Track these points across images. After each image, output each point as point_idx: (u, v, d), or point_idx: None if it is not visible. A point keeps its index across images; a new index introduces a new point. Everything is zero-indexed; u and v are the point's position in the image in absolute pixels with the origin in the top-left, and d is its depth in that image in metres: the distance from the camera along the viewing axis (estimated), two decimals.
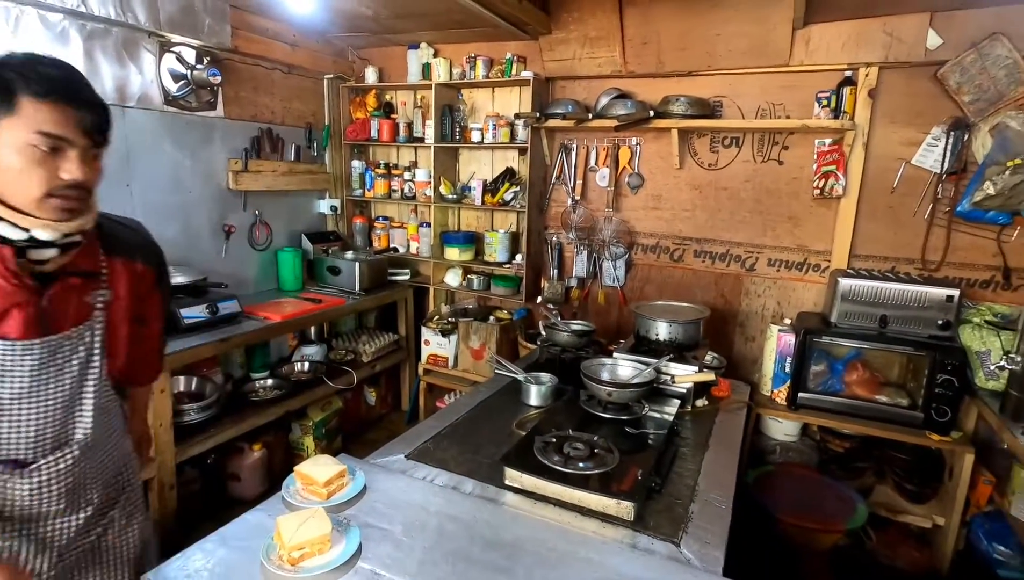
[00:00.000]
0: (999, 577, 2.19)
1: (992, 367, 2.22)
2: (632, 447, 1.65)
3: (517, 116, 3.20)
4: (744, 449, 2.21)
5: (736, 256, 2.97)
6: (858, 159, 2.60)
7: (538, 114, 3.06)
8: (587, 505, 1.41)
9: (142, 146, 2.63)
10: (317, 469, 1.39)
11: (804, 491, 2.37)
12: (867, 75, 2.53)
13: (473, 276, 3.50)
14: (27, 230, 0.95)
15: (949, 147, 2.43)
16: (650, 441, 1.72)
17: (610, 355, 2.17)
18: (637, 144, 3.07)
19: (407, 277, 3.69)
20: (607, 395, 1.85)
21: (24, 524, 1.08)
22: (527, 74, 3.13)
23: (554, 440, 1.62)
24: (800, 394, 2.44)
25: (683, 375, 2.10)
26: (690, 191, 3.02)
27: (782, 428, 2.69)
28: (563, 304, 3.31)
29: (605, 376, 2.00)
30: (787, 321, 2.60)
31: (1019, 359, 1.99)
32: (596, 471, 1.48)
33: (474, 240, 3.54)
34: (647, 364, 2.04)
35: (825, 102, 2.59)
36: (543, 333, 2.59)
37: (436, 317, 3.50)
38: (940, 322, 2.26)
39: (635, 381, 1.94)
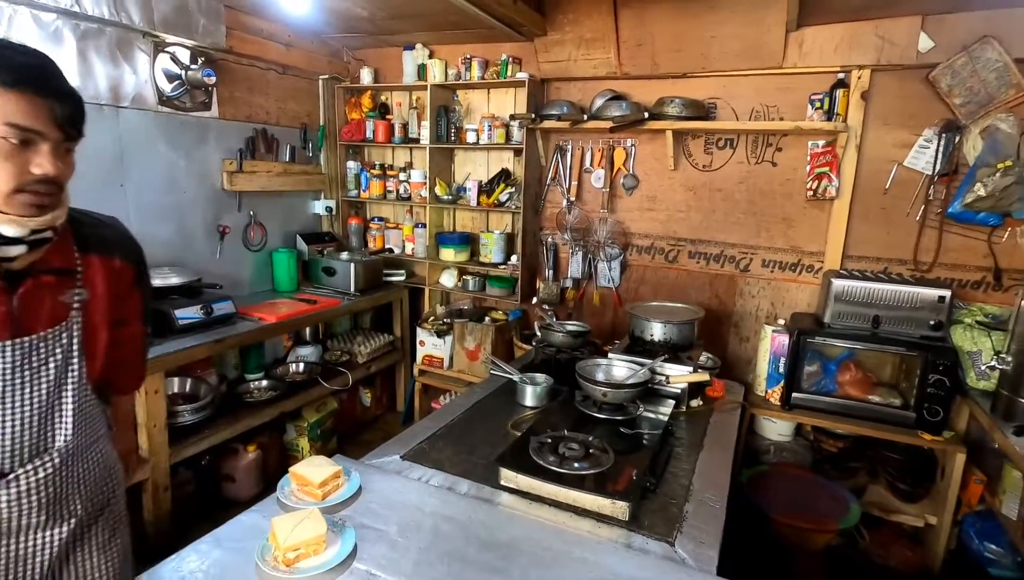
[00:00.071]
0: (990, 575, 2.21)
1: (983, 367, 2.24)
2: (627, 447, 1.66)
3: (512, 117, 3.20)
4: (738, 449, 2.22)
5: (730, 257, 2.99)
6: (851, 161, 2.62)
7: (533, 115, 3.07)
8: (582, 505, 1.41)
9: (136, 146, 2.62)
10: (312, 470, 1.39)
11: (798, 491, 2.38)
12: (860, 77, 2.55)
13: (468, 277, 3.50)
14: None
15: (941, 149, 2.46)
16: (645, 441, 1.73)
17: (605, 356, 2.18)
18: (632, 145, 3.08)
19: (402, 278, 3.68)
20: (602, 396, 1.86)
21: (2, 538, 1.00)
22: (522, 75, 3.13)
23: (549, 440, 1.62)
24: (794, 394, 2.45)
25: (678, 376, 2.11)
26: (685, 192, 3.03)
27: (776, 428, 2.71)
28: (558, 305, 3.31)
29: (600, 377, 2.00)
30: (781, 322, 2.61)
31: (1010, 359, 2.01)
32: (591, 471, 1.49)
33: (469, 241, 3.54)
34: (642, 365, 2.05)
35: (818, 104, 2.60)
36: (538, 334, 2.60)
37: (431, 318, 3.50)
38: (932, 322, 2.27)
39: (630, 382, 1.95)
